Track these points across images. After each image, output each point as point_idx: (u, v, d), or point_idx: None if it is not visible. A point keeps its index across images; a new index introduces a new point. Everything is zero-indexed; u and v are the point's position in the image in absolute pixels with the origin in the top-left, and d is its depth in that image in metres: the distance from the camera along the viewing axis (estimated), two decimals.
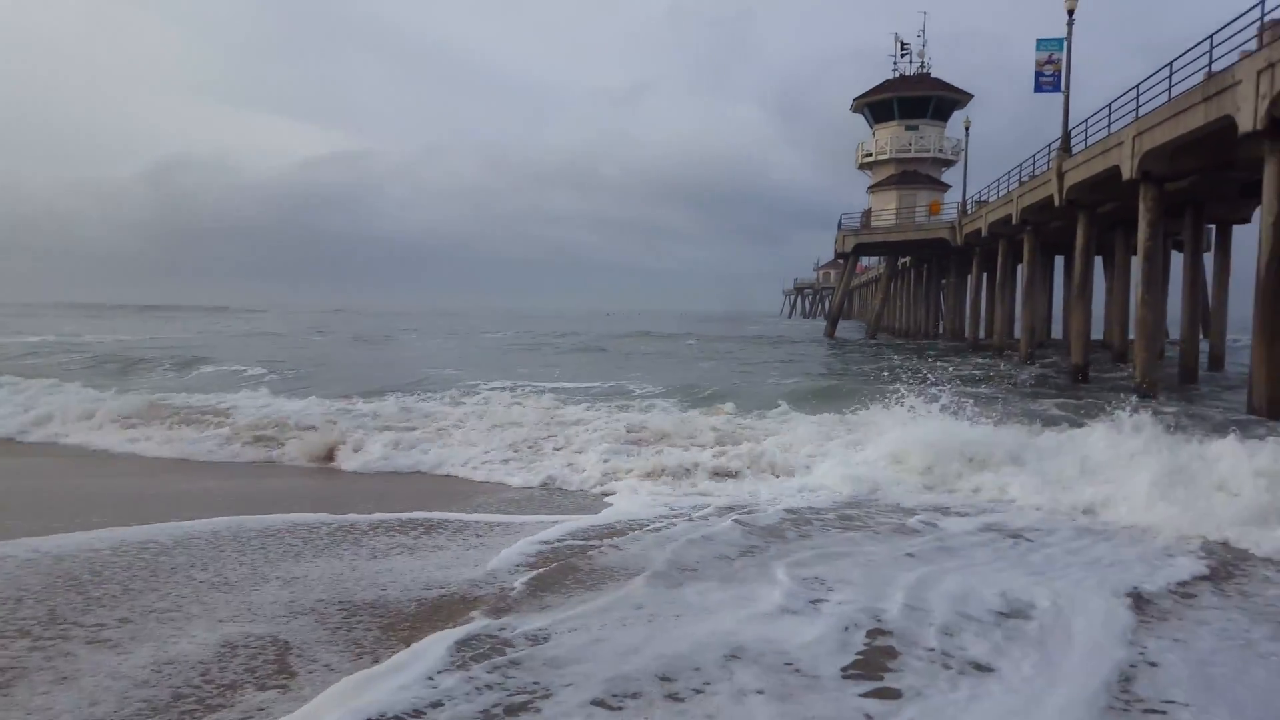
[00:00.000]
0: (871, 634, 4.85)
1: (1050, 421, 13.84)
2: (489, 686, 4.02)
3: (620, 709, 3.83)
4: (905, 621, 5.05)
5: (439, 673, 4.17)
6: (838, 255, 54.94)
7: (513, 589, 5.57)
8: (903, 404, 11.78)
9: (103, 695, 3.99)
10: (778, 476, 10.06)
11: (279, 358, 30.97)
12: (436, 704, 3.85)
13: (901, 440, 10.28)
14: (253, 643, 4.64)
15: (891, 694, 4.08)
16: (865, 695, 4.05)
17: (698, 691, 4.00)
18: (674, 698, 3.94)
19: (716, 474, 10.12)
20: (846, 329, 64.60)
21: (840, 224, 52.43)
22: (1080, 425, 11.92)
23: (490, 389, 19.96)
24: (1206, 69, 16.86)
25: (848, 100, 56.77)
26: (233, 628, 4.86)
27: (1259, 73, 14.31)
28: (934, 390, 11.96)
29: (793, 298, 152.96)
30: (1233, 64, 15.51)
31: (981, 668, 4.40)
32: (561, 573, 5.92)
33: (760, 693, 4.02)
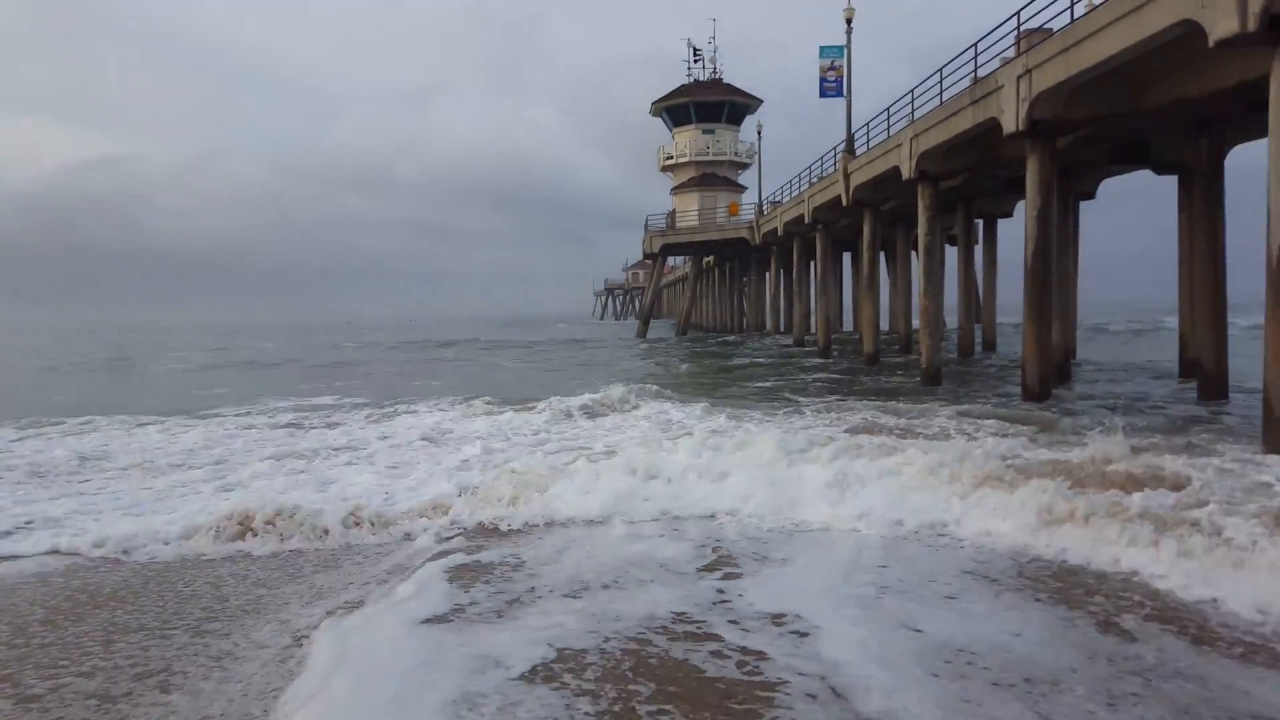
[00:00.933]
0: (715, 549, 7.52)
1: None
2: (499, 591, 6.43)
3: (579, 596, 6.27)
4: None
5: (457, 587, 6.50)
6: (646, 255, 55.76)
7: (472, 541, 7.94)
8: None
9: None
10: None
11: None
12: (472, 603, 6.15)
13: None
14: (348, 605, 6.16)
15: (734, 575, 6.76)
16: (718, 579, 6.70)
17: (617, 582, 6.60)
18: (606, 587, 6.48)
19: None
20: (658, 328, 65.72)
21: (647, 225, 53.25)
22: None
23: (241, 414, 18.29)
24: (973, 74, 18.17)
25: (644, 103, 57.89)
26: (328, 602, 6.30)
27: (1019, 78, 15.52)
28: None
29: (604, 298, 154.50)
30: (995, 70, 16.77)
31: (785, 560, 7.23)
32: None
33: (653, 582, 6.60)
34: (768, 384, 23.02)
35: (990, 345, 30.24)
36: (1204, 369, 16.69)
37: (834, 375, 24.68)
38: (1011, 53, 16.31)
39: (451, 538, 7.99)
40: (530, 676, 4.82)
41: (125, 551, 7.62)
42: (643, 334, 54.00)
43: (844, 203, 28.41)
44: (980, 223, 30.70)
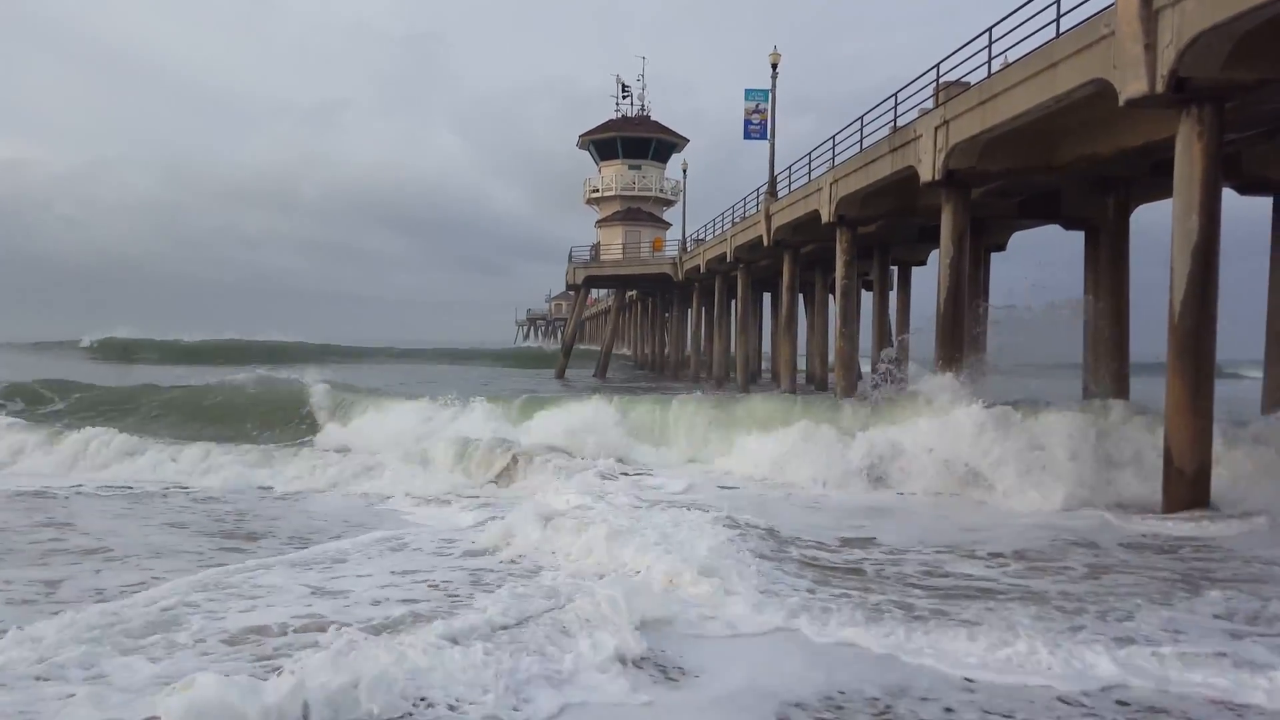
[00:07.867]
0: None
1: None
2: None
3: None
4: None
5: None
6: (569, 286, 55.26)
7: None
8: None
9: None
10: None
11: None
12: None
13: None
14: None
15: None
16: None
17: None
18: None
19: None
20: (580, 356, 62.47)
21: (571, 256, 52.87)
22: None
23: None
24: (892, 124, 18.39)
25: (556, 133, 58.42)
26: None
27: (936, 128, 15.71)
28: None
29: (525, 328, 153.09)
30: (914, 120, 16.98)
31: None
32: None
33: None
34: None
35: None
36: None
37: None
38: (930, 104, 16.53)
39: None
40: None
41: None
42: (561, 373, 51.51)
43: (765, 243, 28.55)
44: (895, 269, 31.24)
